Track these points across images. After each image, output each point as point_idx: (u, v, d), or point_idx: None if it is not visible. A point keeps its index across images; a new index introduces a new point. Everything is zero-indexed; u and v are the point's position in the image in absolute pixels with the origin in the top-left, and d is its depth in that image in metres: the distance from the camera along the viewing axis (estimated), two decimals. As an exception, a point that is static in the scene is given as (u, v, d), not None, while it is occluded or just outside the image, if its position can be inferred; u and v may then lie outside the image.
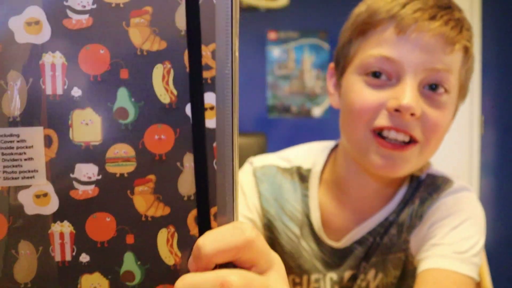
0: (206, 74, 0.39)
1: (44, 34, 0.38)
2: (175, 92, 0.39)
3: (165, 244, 0.40)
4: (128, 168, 0.39)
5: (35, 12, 0.37)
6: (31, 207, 0.39)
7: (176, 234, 0.40)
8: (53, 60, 0.38)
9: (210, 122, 0.39)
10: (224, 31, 0.39)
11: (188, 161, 0.40)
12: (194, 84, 0.39)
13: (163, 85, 0.39)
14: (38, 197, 0.39)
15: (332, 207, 0.88)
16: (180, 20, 0.39)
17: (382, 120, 0.74)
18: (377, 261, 0.85)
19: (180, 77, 0.39)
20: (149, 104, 0.39)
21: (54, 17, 0.38)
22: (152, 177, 0.39)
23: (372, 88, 0.76)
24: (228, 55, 0.39)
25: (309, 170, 0.91)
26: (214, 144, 0.39)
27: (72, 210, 0.39)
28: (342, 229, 0.87)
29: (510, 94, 2.77)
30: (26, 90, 0.38)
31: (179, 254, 0.40)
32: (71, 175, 0.39)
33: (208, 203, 0.40)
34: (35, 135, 0.38)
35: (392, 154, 0.75)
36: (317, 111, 3.01)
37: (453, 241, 0.78)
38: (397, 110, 0.73)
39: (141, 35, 0.38)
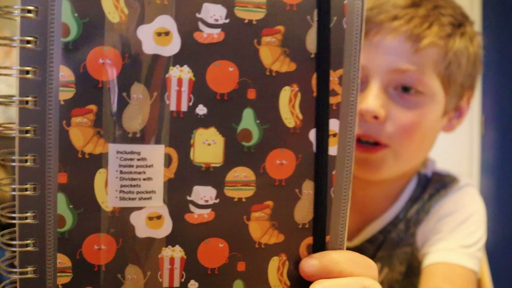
0: (331, 100, 0.39)
1: (174, 46, 0.36)
2: (300, 116, 0.38)
3: (276, 273, 0.40)
4: (247, 192, 0.38)
5: (167, 22, 0.36)
6: (142, 230, 0.37)
7: (287, 263, 0.40)
8: (181, 74, 0.36)
9: (332, 149, 0.39)
10: (352, 56, 0.39)
11: (307, 188, 0.39)
12: (321, 109, 0.38)
13: (289, 108, 0.38)
14: (151, 219, 0.37)
15: None
16: (311, 42, 0.38)
17: None
18: (384, 256, 0.87)
19: (307, 101, 0.38)
20: (274, 127, 0.38)
21: (185, 29, 0.36)
22: (270, 203, 0.39)
23: None
24: (354, 82, 0.39)
25: None
26: (333, 172, 0.39)
27: (185, 234, 0.38)
28: (351, 229, 0.89)
29: (511, 93, 2.82)
30: (149, 105, 0.36)
31: (288, 283, 0.40)
32: (188, 198, 0.37)
33: (325, 232, 0.39)
34: (156, 153, 0.36)
35: (364, 156, 0.76)
36: None
37: (460, 235, 0.80)
38: (362, 114, 0.73)
39: (271, 54, 0.38)
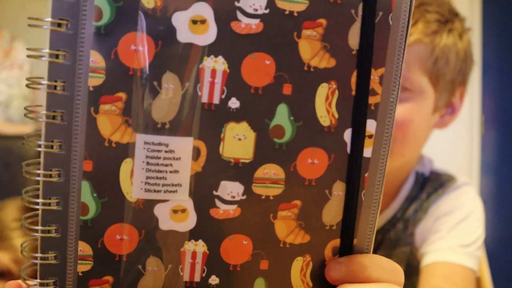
0: (370, 100, 0.37)
1: (209, 35, 0.34)
2: (336, 115, 0.37)
3: (299, 273, 0.39)
4: (275, 190, 0.37)
5: (203, 9, 0.34)
6: (166, 222, 0.36)
7: (311, 264, 0.39)
8: (215, 65, 0.35)
9: (366, 151, 0.38)
10: (395, 55, 0.37)
11: (337, 189, 0.38)
12: (359, 109, 0.37)
13: (325, 106, 0.37)
14: (175, 212, 0.36)
15: None
16: (354, 38, 0.36)
17: None
18: (383, 255, 0.87)
19: (344, 99, 0.37)
20: (308, 125, 0.37)
21: (223, 18, 0.34)
22: (298, 202, 0.38)
23: None
24: (396, 82, 0.37)
25: None
26: (366, 174, 0.38)
27: (210, 229, 0.37)
28: None
29: (511, 93, 2.82)
30: (180, 95, 0.35)
31: (310, 285, 0.39)
32: (214, 193, 0.36)
33: (353, 235, 0.38)
34: (184, 146, 0.35)
35: None
36: None
37: (458, 235, 0.81)
38: None
39: (311, 49, 0.36)
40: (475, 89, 2.69)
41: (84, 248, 0.36)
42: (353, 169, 0.38)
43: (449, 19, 0.80)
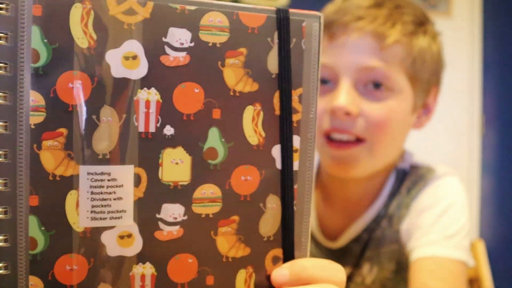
0: (293, 118, 0.41)
1: (141, 69, 0.38)
2: (263, 134, 0.41)
3: (243, 285, 0.42)
4: (213, 208, 0.40)
5: (134, 46, 0.37)
6: (114, 249, 0.38)
7: (253, 275, 0.42)
8: (148, 96, 0.38)
9: (294, 164, 0.42)
10: (311, 75, 0.42)
11: (270, 202, 0.42)
12: (285, 127, 0.41)
13: (252, 126, 0.41)
14: (122, 238, 0.38)
15: (325, 208, 0.93)
16: (272, 63, 0.41)
17: (325, 123, 0.79)
18: (371, 255, 0.89)
19: (269, 119, 0.41)
20: (238, 145, 0.40)
21: (152, 53, 0.38)
22: (236, 218, 0.41)
23: (321, 95, 0.79)
24: (313, 100, 0.42)
25: None
26: (295, 186, 0.42)
27: (155, 251, 0.39)
28: (336, 229, 0.91)
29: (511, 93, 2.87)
30: (118, 127, 0.38)
31: None
32: (157, 215, 0.39)
33: (293, 244, 0.42)
34: (126, 173, 0.38)
35: (339, 154, 0.80)
36: None
37: (442, 227, 0.81)
38: (333, 112, 0.77)
39: (235, 75, 0.40)
40: (475, 89, 2.70)
41: (35, 282, 0.37)
42: (286, 182, 0.41)
43: (423, 21, 0.84)
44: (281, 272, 0.42)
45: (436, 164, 0.91)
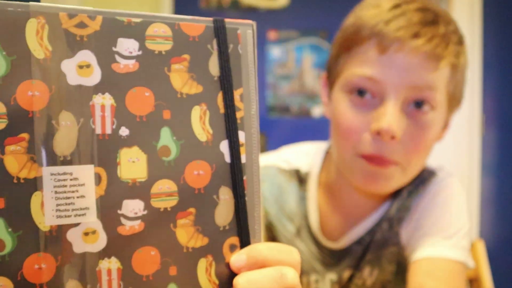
0: (236, 115, 0.46)
1: (95, 76, 0.41)
2: (211, 131, 0.45)
3: (204, 273, 0.45)
4: (171, 202, 0.44)
5: (87, 56, 0.41)
6: (79, 245, 0.41)
7: (213, 263, 0.45)
8: (103, 101, 0.42)
9: (242, 157, 0.46)
10: (249, 76, 0.46)
11: (223, 194, 0.45)
12: (230, 123, 0.45)
13: (200, 124, 0.45)
14: (86, 235, 0.41)
15: (327, 209, 0.94)
16: (213, 67, 0.45)
17: (366, 146, 0.78)
18: (372, 258, 0.90)
19: (215, 117, 0.45)
20: (188, 142, 0.44)
21: (104, 61, 0.42)
22: (192, 210, 0.44)
23: (357, 108, 0.79)
24: (253, 98, 0.46)
25: (307, 174, 0.96)
26: (245, 177, 0.46)
27: (119, 246, 0.42)
28: (338, 230, 0.93)
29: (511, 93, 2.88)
30: (77, 130, 0.41)
31: (217, 282, 0.45)
32: (119, 211, 0.42)
33: (248, 231, 0.45)
34: (86, 173, 0.41)
35: (375, 170, 0.79)
36: (317, 111, 2.94)
37: (440, 227, 0.82)
38: (378, 133, 0.76)
39: (181, 79, 0.44)
40: (475, 89, 2.69)
41: (5, 283, 0.39)
42: (235, 174, 0.45)
43: (462, 39, 0.82)
44: (238, 258, 0.45)
45: (437, 167, 0.93)
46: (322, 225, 0.95)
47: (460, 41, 0.82)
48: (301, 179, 0.98)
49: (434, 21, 0.78)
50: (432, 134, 0.80)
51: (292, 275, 0.44)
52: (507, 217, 2.87)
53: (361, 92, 0.79)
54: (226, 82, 0.45)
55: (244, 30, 0.47)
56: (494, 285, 1.10)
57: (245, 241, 0.46)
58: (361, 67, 0.78)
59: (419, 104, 0.77)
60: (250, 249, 0.45)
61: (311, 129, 2.98)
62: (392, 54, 0.76)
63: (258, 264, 0.44)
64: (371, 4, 0.82)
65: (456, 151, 2.70)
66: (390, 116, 0.75)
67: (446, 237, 0.82)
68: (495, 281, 1.11)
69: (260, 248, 0.45)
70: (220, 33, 0.46)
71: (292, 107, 3.03)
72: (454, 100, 0.84)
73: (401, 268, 0.91)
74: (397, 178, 0.82)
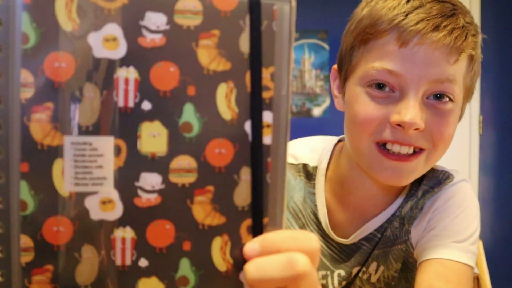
0: (265, 95, 0.45)
1: (120, 50, 0.43)
2: (236, 109, 0.45)
3: (219, 251, 0.46)
4: (189, 178, 0.45)
5: (113, 29, 0.43)
6: (96, 213, 0.43)
7: (229, 242, 0.46)
8: (127, 75, 0.43)
9: (267, 138, 0.45)
10: (282, 55, 0.45)
11: (244, 174, 0.45)
12: (254, 103, 0.45)
13: (225, 102, 0.45)
14: (103, 203, 0.43)
15: (336, 204, 0.95)
16: (244, 44, 0.45)
17: (386, 134, 0.79)
18: (379, 254, 0.92)
19: (242, 96, 0.45)
20: (212, 120, 0.45)
21: (130, 35, 0.43)
22: (211, 188, 0.45)
23: (376, 101, 0.79)
24: (285, 78, 0.46)
25: (315, 168, 0.98)
26: (269, 159, 0.46)
27: (135, 217, 0.44)
28: (347, 226, 0.94)
29: (510, 94, 2.90)
30: (99, 102, 0.43)
31: (231, 261, 0.46)
32: (136, 184, 0.44)
33: (262, 214, 0.45)
34: (106, 144, 0.43)
35: (398, 165, 0.80)
36: (317, 111, 3.03)
37: (452, 231, 0.84)
38: (400, 125, 0.77)
39: (208, 55, 0.44)
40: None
41: (26, 241, 0.43)
42: (255, 155, 0.45)
43: (477, 31, 0.83)
44: (252, 246, 0.45)
45: (453, 171, 0.94)
46: (330, 220, 0.95)
47: (477, 32, 0.82)
48: (308, 174, 0.98)
49: (453, 13, 0.79)
50: (452, 123, 0.81)
51: (303, 261, 0.44)
52: (505, 216, 2.90)
53: (379, 86, 0.79)
54: (255, 60, 0.45)
55: (281, 6, 0.46)
56: (492, 285, 1.08)
57: (258, 224, 0.46)
58: (380, 61, 0.78)
59: (438, 96, 0.79)
60: (264, 238, 0.45)
61: (311, 129, 3.00)
62: (413, 47, 0.76)
63: (272, 254, 0.45)
64: None
65: (455, 151, 2.69)
66: (412, 109, 0.76)
67: (457, 241, 0.83)
68: (494, 281, 1.09)
69: (274, 237, 0.45)
70: (253, 8, 0.45)
71: (292, 107, 3.01)
72: (469, 92, 0.85)
73: (406, 266, 0.91)
74: (420, 169, 0.83)
